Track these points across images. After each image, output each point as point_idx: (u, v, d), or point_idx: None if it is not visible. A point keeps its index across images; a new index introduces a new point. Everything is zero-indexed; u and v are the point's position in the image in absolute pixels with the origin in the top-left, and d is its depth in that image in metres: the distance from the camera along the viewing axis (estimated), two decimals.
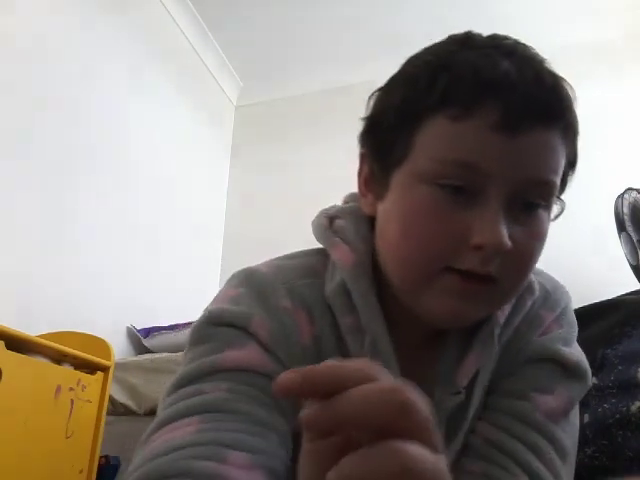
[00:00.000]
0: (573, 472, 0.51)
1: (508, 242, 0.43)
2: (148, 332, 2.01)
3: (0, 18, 1.58)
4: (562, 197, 0.53)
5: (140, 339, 2.01)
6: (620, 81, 2.57)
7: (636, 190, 1.86)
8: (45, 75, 1.74)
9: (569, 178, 0.51)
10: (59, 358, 1.25)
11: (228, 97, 3.09)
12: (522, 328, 0.54)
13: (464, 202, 0.44)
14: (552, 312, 0.56)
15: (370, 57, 2.82)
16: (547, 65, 0.48)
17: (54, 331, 1.42)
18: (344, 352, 0.50)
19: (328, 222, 0.56)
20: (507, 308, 0.53)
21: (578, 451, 0.73)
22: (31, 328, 1.28)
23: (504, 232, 0.43)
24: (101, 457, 1.35)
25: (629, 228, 1.82)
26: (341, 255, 0.52)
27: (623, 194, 1.87)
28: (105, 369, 1.36)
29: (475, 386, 0.52)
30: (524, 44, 0.50)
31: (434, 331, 0.53)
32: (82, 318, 1.70)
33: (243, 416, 0.41)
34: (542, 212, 0.47)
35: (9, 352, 1.06)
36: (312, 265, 0.54)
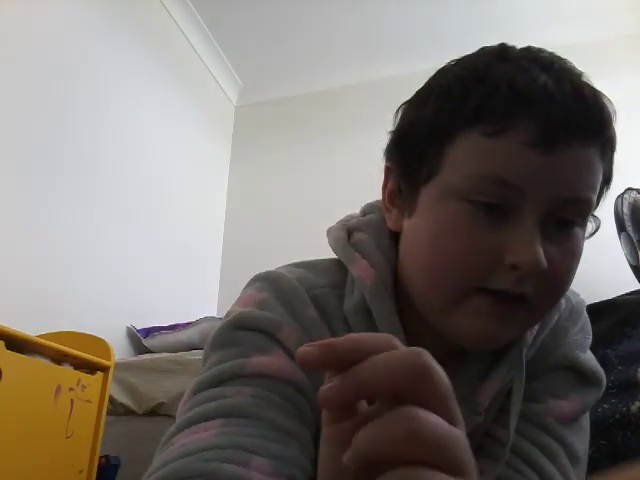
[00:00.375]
0: (584, 477, 0.51)
1: (544, 262, 0.41)
2: (148, 332, 2.01)
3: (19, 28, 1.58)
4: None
5: (140, 339, 2.01)
6: (620, 81, 2.57)
7: (636, 190, 1.85)
8: (46, 75, 1.74)
9: (604, 194, 0.50)
10: (59, 358, 1.25)
11: (228, 97, 3.09)
12: (546, 341, 0.54)
13: (498, 220, 0.43)
14: (575, 324, 0.56)
15: (370, 58, 2.82)
16: (585, 79, 0.46)
17: (54, 331, 1.42)
18: None
19: (346, 234, 0.55)
20: (535, 327, 0.52)
21: None
22: (31, 328, 1.28)
23: (540, 251, 0.41)
24: (101, 457, 1.35)
25: (629, 228, 1.81)
26: (361, 271, 0.50)
27: (623, 194, 1.86)
28: (105, 369, 1.36)
29: (492, 408, 0.52)
30: (560, 57, 0.48)
31: (457, 350, 0.51)
32: (82, 318, 1.70)
33: (266, 422, 0.40)
34: (578, 230, 0.46)
35: (9, 352, 1.06)
36: (333, 275, 0.53)
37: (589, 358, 0.55)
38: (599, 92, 0.46)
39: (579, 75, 0.46)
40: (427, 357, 0.23)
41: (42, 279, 1.63)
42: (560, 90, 0.42)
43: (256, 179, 2.95)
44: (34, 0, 1.75)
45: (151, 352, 1.95)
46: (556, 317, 0.54)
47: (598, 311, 0.90)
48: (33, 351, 1.17)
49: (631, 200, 1.83)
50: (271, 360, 0.45)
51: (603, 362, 0.79)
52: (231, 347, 0.46)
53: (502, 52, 0.47)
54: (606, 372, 0.78)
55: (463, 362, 0.51)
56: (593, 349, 0.82)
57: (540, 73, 0.43)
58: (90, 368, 1.33)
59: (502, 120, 0.42)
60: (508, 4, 2.51)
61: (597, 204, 0.48)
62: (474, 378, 0.51)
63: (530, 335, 0.52)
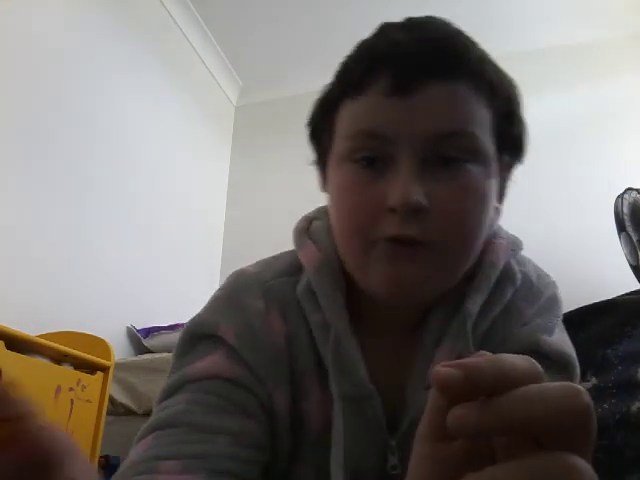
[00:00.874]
0: None
1: (419, 199, 0.43)
2: (148, 332, 2.01)
3: (19, 29, 1.58)
4: (522, 156, 0.53)
5: (140, 339, 2.01)
6: (620, 81, 2.57)
7: (636, 190, 1.85)
8: (45, 74, 1.74)
9: (515, 132, 0.50)
10: (59, 358, 1.25)
11: (228, 97, 3.09)
12: (499, 320, 0.52)
13: (379, 172, 0.46)
14: (532, 304, 0.54)
15: None
16: (446, 27, 0.49)
17: (54, 331, 1.42)
18: (315, 349, 0.51)
19: (307, 224, 0.58)
20: (479, 298, 0.51)
21: None
22: (31, 328, 1.28)
23: (413, 190, 0.43)
24: (101, 457, 1.35)
25: (629, 228, 1.82)
26: (306, 255, 0.54)
27: (623, 194, 1.87)
28: (105, 369, 1.36)
29: None
30: (437, 19, 0.51)
31: (411, 327, 0.52)
32: (82, 318, 1.70)
33: (192, 427, 0.44)
34: (469, 166, 0.45)
35: (9, 352, 1.06)
36: (292, 263, 0.56)
37: (555, 341, 0.52)
38: (457, 33, 0.49)
39: (438, 26, 0.49)
40: (588, 397, 0.21)
41: (42, 279, 1.63)
42: (409, 41, 0.46)
43: (256, 179, 2.96)
44: (34, 1, 1.75)
45: (151, 352, 1.95)
46: (510, 293, 0.53)
47: (598, 311, 0.90)
48: (33, 351, 1.17)
49: (631, 200, 1.83)
50: (208, 361, 0.48)
51: (603, 362, 0.79)
52: (184, 356, 0.50)
53: (382, 26, 0.51)
54: (606, 372, 0.78)
55: (420, 342, 0.52)
56: (593, 349, 0.82)
57: (398, 33, 0.47)
58: (90, 368, 1.33)
59: (361, 80, 0.47)
60: (508, 4, 2.51)
61: (508, 144, 0.50)
62: (427, 356, 0.51)
63: (473, 306, 0.51)
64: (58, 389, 1.17)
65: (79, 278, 1.79)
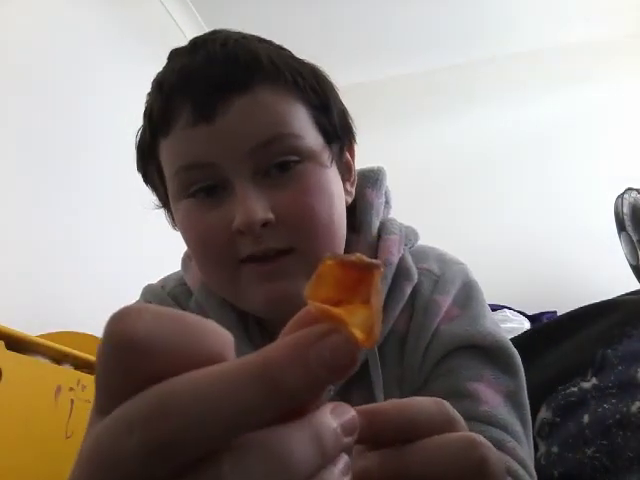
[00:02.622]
0: (532, 455, 0.47)
1: (263, 215, 0.43)
2: None
3: None
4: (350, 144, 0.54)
5: None
6: (620, 81, 2.57)
7: (636, 190, 1.86)
8: (45, 74, 1.73)
9: (335, 118, 0.50)
10: (59, 358, 1.25)
11: None
12: (418, 317, 0.51)
13: (220, 198, 0.45)
14: (447, 295, 0.52)
15: (371, 59, 2.82)
16: (230, 40, 0.48)
17: (54, 331, 1.42)
18: None
19: (169, 286, 0.60)
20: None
21: (578, 451, 0.73)
22: (31, 328, 1.28)
23: (253, 208, 0.43)
24: None
25: (629, 228, 1.82)
26: (191, 278, 0.55)
27: (623, 194, 1.87)
28: None
29: (353, 384, 0.49)
30: (221, 32, 0.50)
31: None
32: (82, 318, 1.70)
33: None
34: (302, 166, 0.46)
35: (9, 352, 1.06)
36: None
37: (489, 331, 0.49)
38: (248, 42, 0.48)
39: (227, 40, 0.47)
40: (485, 449, 0.22)
41: (42, 279, 1.63)
42: (200, 66, 0.45)
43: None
44: (34, 1, 1.75)
45: None
46: (408, 289, 0.51)
47: (598, 311, 0.90)
48: (33, 351, 1.17)
49: (631, 200, 1.83)
50: None
51: (603, 362, 0.79)
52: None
53: (170, 54, 0.52)
54: (606, 372, 0.78)
55: None
56: (593, 349, 0.82)
57: (184, 59, 0.47)
58: (90, 368, 1.33)
59: (164, 119, 0.46)
60: (508, 4, 2.51)
61: (327, 130, 0.49)
62: None
63: None
64: (58, 389, 1.17)
65: (79, 278, 1.78)
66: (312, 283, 0.18)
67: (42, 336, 1.29)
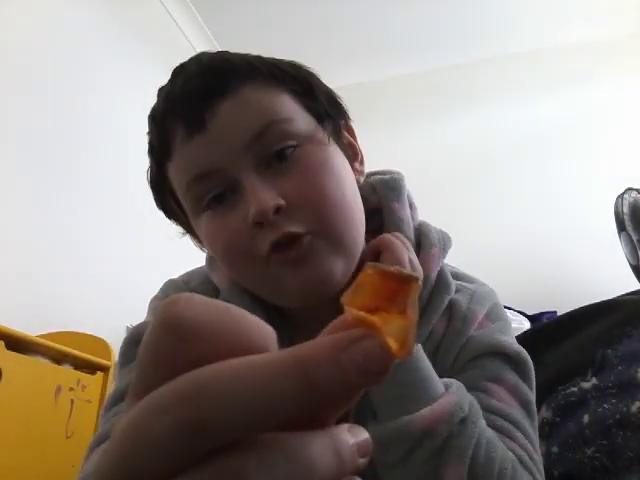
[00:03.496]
0: (541, 460, 0.49)
1: (274, 202, 0.44)
2: None
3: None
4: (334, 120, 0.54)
5: None
6: (620, 81, 2.57)
7: (636, 190, 1.86)
8: (45, 74, 1.73)
9: (322, 101, 0.52)
10: (59, 358, 1.25)
11: None
12: (456, 324, 0.53)
13: (233, 201, 0.47)
14: (482, 306, 0.55)
15: (371, 59, 2.82)
16: (204, 55, 0.52)
17: (54, 331, 1.42)
18: None
19: (185, 287, 0.60)
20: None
21: (578, 451, 0.73)
22: (31, 328, 1.28)
23: (263, 196, 0.44)
24: None
25: (629, 228, 1.82)
26: (219, 276, 0.56)
27: (623, 194, 1.87)
28: (105, 369, 1.36)
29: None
30: (201, 53, 0.53)
31: None
32: (82, 318, 1.70)
33: None
34: (301, 149, 0.47)
35: (9, 352, 1.06)
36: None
37: (511, 341, 0.54)
38: (217, 54, 0.52)
39: (199, 57, 0.52)
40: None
41: (42, 279, 1.63)
42: (179, 85, 0.49)
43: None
44: (34, 0, 1.75)
45: None
46: (447, 298, 0.54)
47: (598, 311, 0.90)
48: (33, 351, 1.17)
49: (631, 200, 1.83)
50: None
51: (603, 362, 0.79)
52: (127, 364, 0.51)
53: (159, 91, 0.53)
54: (606, 372, 0.78)
55: None
56: (593, 349, 0.82)
57: (168, 87, 0.51)
58: (90, 368, 1.33)
59: (162, 143, 0.49)
60: (508, 4, 2.51)
61: (318, 113, 0.51)
62: None
63: None
64: (58, 389, 1.17)
65: (79, 278, 1.79)
66: (351, 290, 0.19)
67: (42, 336, 1.29)
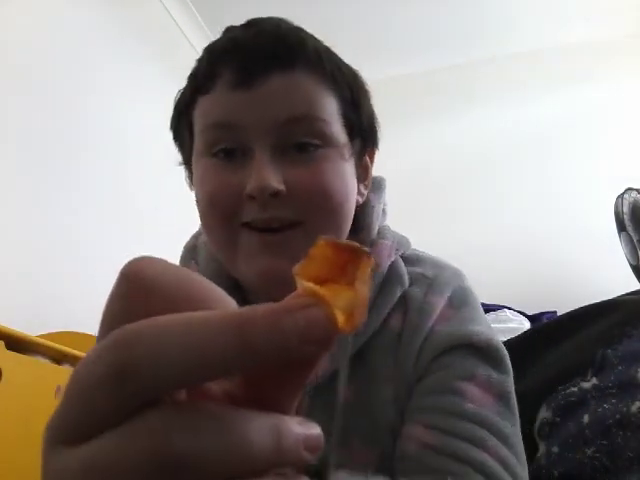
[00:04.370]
0: (524, 460, 0.47)
1: (274, 184, 0.45)
2: None
3: None
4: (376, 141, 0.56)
5: None
6: (620, 81, 2.57)
7: (636, 190, 1.86)
8: (45, 74, 1.73)
9: (363, 119, 0.53)
10: (59, 358, 1.25)
11: None
12: (412, 318, 0.52)
13: (239, 163, 0.47)
14: (440, 296, 0.53)
15: (370, 58, 2.82)
16: (284, 24, 0.53)
17: (54, 331, 1.42)
18: None
19: (194, 241, 0.61)
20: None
21: (578, 451, 0.73)
22: (31, 328, 1.28)
23: (268, 176, 0.45)
24: None
25: (629, 228, 1.82)
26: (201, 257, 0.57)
27: (623, 194, 1.87)
28: None
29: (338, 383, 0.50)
30: (277, 18, 0.55)
31: None
32: (82, 318, 1.70)
33: None
34: (321, 151, 0.48)
35: (9, 352, 1.06)
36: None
37: (481, 330, 0.51)
38: (292, 29, 0.53)
39: (276, 23, 0.53)
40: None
41: (42, 279, 1.63)
42: (250, 37, 0.50)
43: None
44: (34, 1, 1.75)
45: None
46: (399, 291, 0.52)
47: (598, 311, 0.90)
48: (33, 351, 1.17)
49: (631, 200, 1.83)
50: None
51: (603, 362, 0.79)
52: None
53: (226, 27, 0.55)
54: (606, 372, 0.78)
55: None
56: (593, 349, 0.82)
57: (237, 31, 0.52)
58: None
59: (207, 77, 0.49)
60: (508, 4, 2.51)
61: (353, 128, 0.52)
62: None
63: None
64: (58, 389, 1.17)
65: (79, 278, 1.79)
66: (303, 262, 0.18)
67: (42, 336, 1.29)
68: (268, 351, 0.16)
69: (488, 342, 0.50)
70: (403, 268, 0.55)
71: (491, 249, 2.48)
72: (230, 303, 0.18)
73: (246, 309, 0.16)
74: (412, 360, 0.51)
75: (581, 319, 0.90)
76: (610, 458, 0.69)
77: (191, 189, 0.56)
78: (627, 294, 1.08)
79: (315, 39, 0.53)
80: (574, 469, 0.72)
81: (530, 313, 2.23)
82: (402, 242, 0.58)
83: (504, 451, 0.45)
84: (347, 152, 0.51)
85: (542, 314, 2.24)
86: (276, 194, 0.45)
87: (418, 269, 0.56)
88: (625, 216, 1.82)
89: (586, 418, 0.74)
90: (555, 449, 0.73)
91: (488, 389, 0.48)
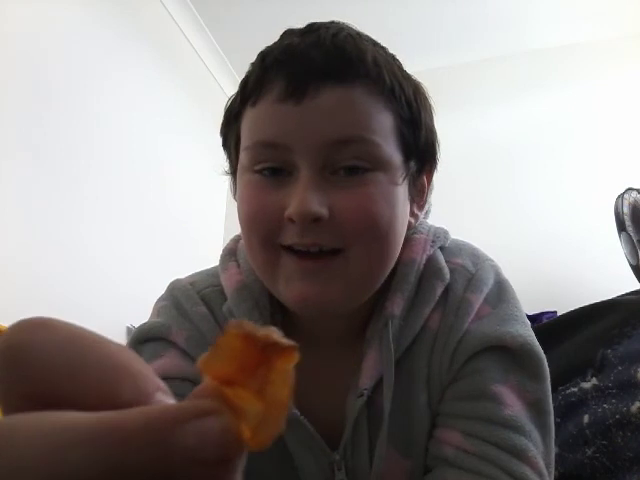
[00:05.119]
0: (552, 466, 0.46)
1: (316, 209, 0.42)
2: None
3: None
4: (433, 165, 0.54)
5: None
6: (620, 81, 2.57)
7: (636, 190, 1.86)
8: (45, 75, 1.73)
9: (421, 138, 0.49)
10: None
11: (228, 97, 3.08)
12: (449, 317, 0.49)
13: (283, 181, 0.45)
14: (479, 293, 0.51)
15: None
16: (344, 31, 0.48)
17: None
18: None
19: (234, 245, 0.58)
20: (399, 298, 0.49)
21: (578, 451, 0.73)
22: None
23: (311, 200, 0.42)
24: None
25: (629, 228, 1.82)
26: (227, 279, 0.54)
27: (623, 194, 1.87)
28: None
29: (382, 386, 0.48)
30: (338, 23, 0.50)
31: (349, 336, 0.51)
32: (82, 318, 1.70)
33: None
34: (371, 175, 0.44)
35: None
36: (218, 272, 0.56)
37: (517, 332, 0.48)
38: (359, 39, 0.47)
39: (335, 32, 0.47)
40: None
41: (42, 279, 1.63)
42: (305, 46, 0.45)
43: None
44: (34, 1, 1.75)
45: None
46: (440, 288, 0.50)
47: (598, 311, 0.90)
48: None
49: (631, 200, 1.83)
50: (165, 362, 0.48)
51: (603, 362, 0.79)
52: None
53: (284, 32, 0.50)
54: (606, 372, 0.78)
55: (347, 344, 0.51)
56: (593, 349, 0.82)
57: (293, 38, 0.47)
58: None
59: (257, 86, 0.46)
60: (509, 4, 2.51)
61: (412, 150, 0.48)
62: (356, 360, 0.50)
63: (394, 306, 0.49)
64: None
65: (79, 278, 1.79)
66: (210, 352, 0.15)
67: None
68: (142, 468, 0.13)
69: (523, 344, 0.48)
70: (442, 261, 0.52)
71: (491, 249, 2.47)
72: (153, 383, 0.16)
73: (120, 414, 0.14)
74: (447, 363, 0.49)
75: (581, 319, 0.90)
76: (610, 458, 0.69)
77: (234, 199, 0.53)
78: (627, 294, 1.08)
79: (378, 48, 0.49)
80: (574, 469, 0.72)
81: (530, 313, 2.23)
82: (438, 234, 0.56)
83: (541, 462, 0.44)
84: (400, 175, 0.47)
85: (542, 314, 2.24)
86: (317, 219, 0.42)
87: (459, 260, 0.53)
88: (625, 216, 1.82)
89: (586, 418, 0.74)
90: (555, 449, 0.73)
91: (520, 395, 0.47)
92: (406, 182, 0.48)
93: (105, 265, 1.93)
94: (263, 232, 0.45)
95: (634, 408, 0.71)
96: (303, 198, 0.42)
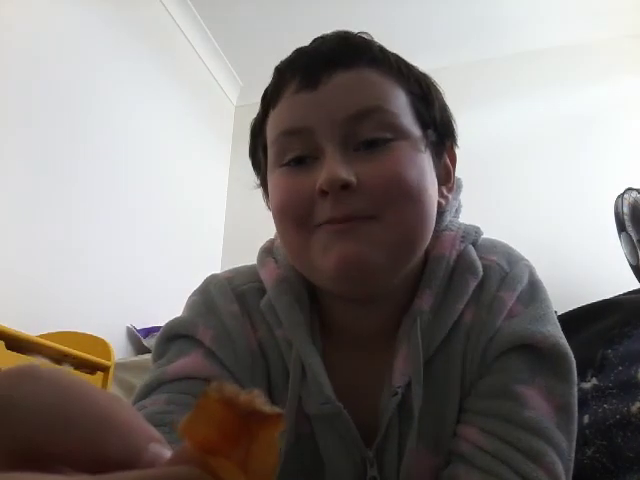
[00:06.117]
0: (571, 471, 0.46)
1: (346, 177, 0.43)
2: (148, 332, 2.01)
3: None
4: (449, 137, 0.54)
5: (140, 339, 2.01)
6: (620, 81, 2.57)
7: (636, 190, 1.85)
8: (45, 76, 1.73)
9: (435, 113, 0.51)
10: (59, 358, 1.25)
11: (228, 97, 3.09)
12: (482, 315, 0.49)
13: (309, 167, 0.46)
14: (513, 291, 0.50)
15: None
16: (349, 32, 0.51)
17: (54, 331, 1.42)
18: (284, 362, 0.51)
19: (271, 244, 0.59)
20: (428, 294, 0.49)
21: (578, 451, 0.73)
22: (31, 328, 1.28)
23: (338, 168, 0.43)
24: None
25: (629, 228, 1.82)
26: (266, 273, 0.54)
27: (623, 194, 1.87)
28: (105, 369, 1.36)
29: (412, 396, 0.47)
30: (359, 34, 0.52)
31: (382, 335, 0.51)
32: (82, 318, 1.70)
33: (167, 428, 0.40)
34: (394, 144, 0.46)
35: (9, 352, 1.06)
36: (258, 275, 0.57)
37: (548, 332, 0.47)
38: (364, 35, 0.52)
39: (345, 31, 0.51)
40: None
41: (42, 279, 1.63)
42: (315, 45, 0.50)
43: (256, 179, 2.96)
44: (34, 1, 1.75)
45: (151, 352, 1.94)
46: (473, 284, 0.50)
47: (598, 311, 0.90)
48: (33, 351, 1.17)
49: (631, 200, 1.83)
50: (188, 361, 0.48)
51: (603, 362, 0.79)
52: (162, 358, 0.50)
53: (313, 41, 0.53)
54: (606, 372, 0.78)
55: (382, 342, 0.51)
56: (593, 349, 0.82)
57: (304, 47, 0.51)
58: (90, 368, 1.33)
59: (275, 90, 0.50)
60: (509, 4, 2.51)
61: (425, 122, 0.50)
62: (390, 358, 0.50)
63: (421, 302, 0.49)
64: None
65: (79, 278, 1.78)
66: (191, 414, 0.14)
67: (42, 336, 1.29)
68: None
69: (553, 345, 0.47)
70: (474, 256, 0.52)
71: None
72: (146, 435, 0.15)
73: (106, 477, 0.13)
74: (477, 360, 0.48)
75: (581, 319, 0.90)
76: (610, 458, 0.69)
77: (268, 208, 0.54)
78: (627, 294, 1.08)
79: (381, 45, 0.52)
80: (574, 469, 0.72)
81: None
82: (469, 230, 0.56)
83: (559, 468, 0.43)
84: (422, 144, 0.48)
85: None
86: (347, 186, 0.43)
87: (493, 257, 0.53)
88: (625, 216, 1.82)
89: (586, 418, 0.74)
90: None
91: (547, 398, 0.45)
92: (429, 154, 0.49)
93: (105, 265, 1.93)
94: (297, 214, 0.46)
95: (634, 408, 0.71)
96: (331, 167, 0.43)
